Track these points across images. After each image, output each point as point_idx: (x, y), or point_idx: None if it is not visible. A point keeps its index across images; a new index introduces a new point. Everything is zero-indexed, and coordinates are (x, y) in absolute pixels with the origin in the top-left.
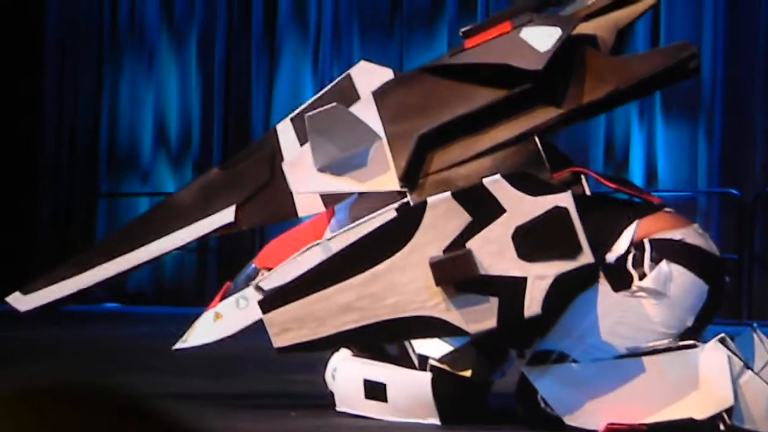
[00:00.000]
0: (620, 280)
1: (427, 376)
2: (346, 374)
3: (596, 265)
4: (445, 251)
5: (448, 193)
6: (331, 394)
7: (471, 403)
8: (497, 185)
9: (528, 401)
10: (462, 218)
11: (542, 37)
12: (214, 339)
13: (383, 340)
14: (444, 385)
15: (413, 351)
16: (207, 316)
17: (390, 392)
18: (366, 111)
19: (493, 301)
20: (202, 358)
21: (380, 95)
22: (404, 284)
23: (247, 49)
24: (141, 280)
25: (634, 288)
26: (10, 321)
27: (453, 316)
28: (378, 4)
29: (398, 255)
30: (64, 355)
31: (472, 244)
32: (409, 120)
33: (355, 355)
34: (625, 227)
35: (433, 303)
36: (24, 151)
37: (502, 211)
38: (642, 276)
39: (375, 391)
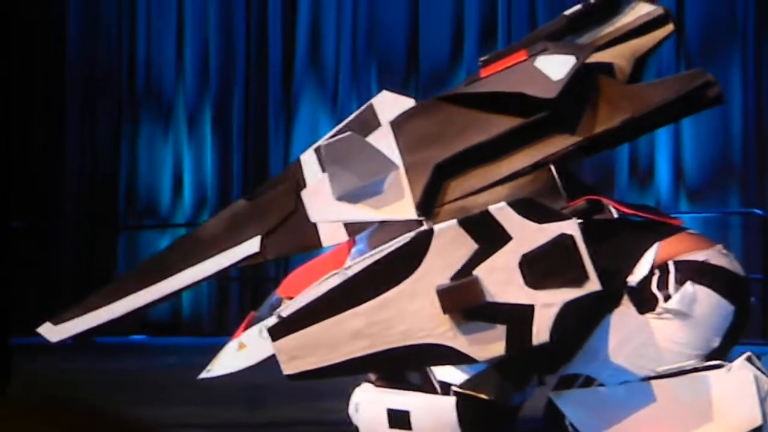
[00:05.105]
0: (645, 302)
1: (451, 400)
2: (368, 406)
3: (615, 291)
4: (452, 279)
5: (454, 221)
6: (356, 428)
7: (496, 426)
8: (502, 213)
9: (556, 426)
10: (468, 246)
11: (556, 65)
12: (237, 368)
13: (394, 367)
14: (468, 408)
15: (434, 378)
16: (231, 346)
17: (414, 419)
18: (383, 140)
19: (501, 329)
20: (232, 387)
21: (398, 125)
22: (413, 312)
23: (264, 101)
24: (163, 311)
25: (659, 310)
26: (38, 354)
27: (461, 343)
28: (395, 52)
29: (407, 282)
30: (89, 388)
31: (479, 272)
32: (426, 149)
33: (378, 385)
34: (646, 250)
35: (442, 330)
36: (46, 201)
37: (509, 238)
38: (667, 298)
39: (399, 420)
